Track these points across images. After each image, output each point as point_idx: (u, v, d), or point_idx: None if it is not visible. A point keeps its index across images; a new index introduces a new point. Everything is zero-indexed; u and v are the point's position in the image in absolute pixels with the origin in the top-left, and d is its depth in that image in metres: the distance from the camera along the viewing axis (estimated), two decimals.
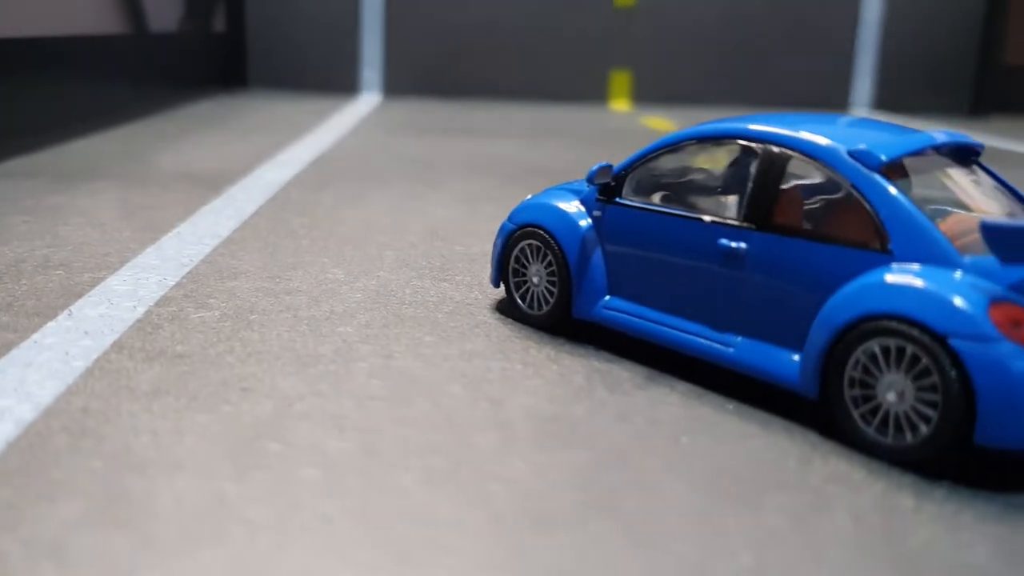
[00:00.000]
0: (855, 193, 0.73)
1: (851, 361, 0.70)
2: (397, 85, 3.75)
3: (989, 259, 0.68)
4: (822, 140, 0.76)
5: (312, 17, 3.68)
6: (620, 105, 3.73)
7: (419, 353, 0.87)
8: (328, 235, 1.33)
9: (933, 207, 0.81)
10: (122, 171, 1.77)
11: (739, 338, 0.80)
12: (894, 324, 0.67)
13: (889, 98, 3.84)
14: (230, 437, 0.68)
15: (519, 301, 0.97)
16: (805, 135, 0.77)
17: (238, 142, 2.25)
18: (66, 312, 0.94)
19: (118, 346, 0.86)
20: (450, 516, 0.59)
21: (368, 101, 3.51)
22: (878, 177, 0.72)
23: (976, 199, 0.80)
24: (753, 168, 0.80)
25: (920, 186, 0.82)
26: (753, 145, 0.80)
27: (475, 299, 1.05)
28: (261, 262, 1.17)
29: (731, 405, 0.78)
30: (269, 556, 0.54)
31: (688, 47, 3.78)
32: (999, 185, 0.81)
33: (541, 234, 0.94)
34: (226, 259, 1.18)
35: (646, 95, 3.79)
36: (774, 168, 0.78)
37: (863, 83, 3.83)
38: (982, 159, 2.46)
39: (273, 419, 0.72)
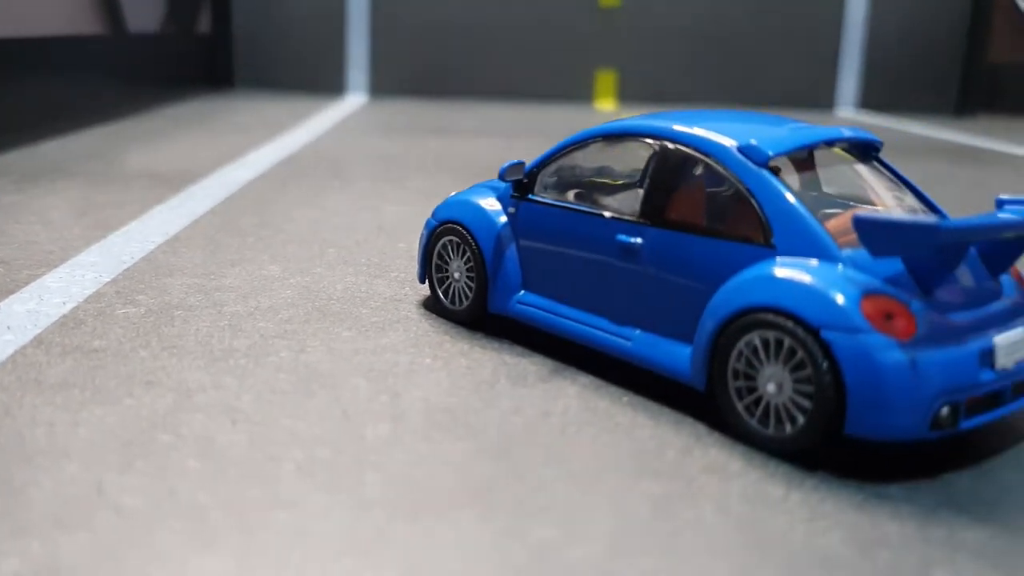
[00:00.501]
0: (742, 188, 0.74)
1: (734, 353, 0.71)
2: (384, 86, 3.77)
3: (864, 252, 0.69)
4: (714, 136, 0.77)
5: (298, 18, 3.70)
6: (606, 104, 3.75)
7: (332, 347, 0.89)
8: (275, 233, 1.34)
9: (832, 201, 0.82)
10: (88, 170, 1.79)
11: (637, 332, 0.81)
12: (771, 317, 0.68)
13: (875, 97, 3.84)
14: (125, 429, 0.70)
15: (441, 296, 0.99)
16: (698, 131, 0.78)
17: (211, 142, 2.27)
18: None
19: (38, 341, 0.88)
20: (318, 504, 0.60)
21: (353, 102, 3.52)
22: (764, 172, 0.73)
23: (874, 194, 0.81)
24: (650, 165, 0.81)
25: (825, 182, 0.83)
26: (650, 142, 0.82)
27: (404, 295, 1.06)
28: (200, 259, 1.18)
29: (626, 398, 0.79)
30: (132, 542, 0.55)
31: (673, 46, 3.78)
32: (899, 181, 0.82)
33: (460, 230, 0.95)
34: (167, 256, 1.19)
35: (632, 94, 3.80)
36: (668, 164, 0.80)
37: (848, 82, 3.83)
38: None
39: (170, 412, 0.73)
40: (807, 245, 0.70)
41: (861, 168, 0.83)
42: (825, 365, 0.65)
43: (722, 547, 0.57)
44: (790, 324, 0.67)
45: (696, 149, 0.78)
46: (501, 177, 0.90)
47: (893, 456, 0.70)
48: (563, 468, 0.66)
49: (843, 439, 0.71)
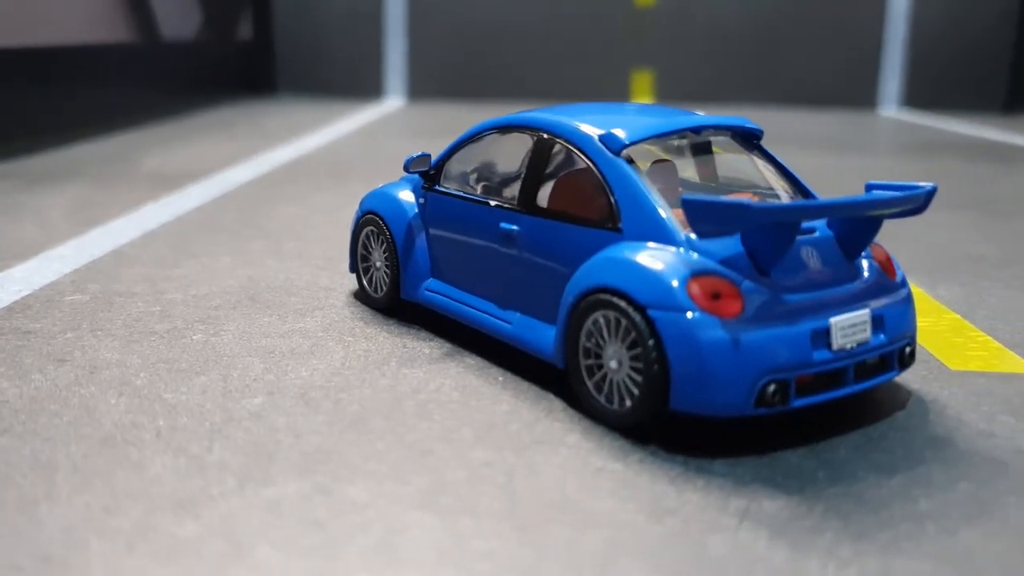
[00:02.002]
0: (599, 175, 0.77)
1: (583, 333, 0.74)
2: (421, 89, 3.84)
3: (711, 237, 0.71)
4: (580, 126, 0.80)
5: (338, 23, 3.80)
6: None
7: (245, 331, 0.94)
8: (248, 229, 1.41)
9: (723, 188, 0.84)
10: (100, 172, 1.88)
11: (517, 315, 0.84)
12: (609, 297, 0.71)
13: (919, 95, 3.77)
14: (20, 399, 0.76)
15: (365, 284, 1.03)
16: (567, 121, 0.81)
17: (227, 145, 2.35)
18: None
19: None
20: (163, 466, 0.65)
21: (390, 105, 3.60)
22: (617, 160, 0.76)
23: (755, 179, 0.83)
24: (528, 155, 0.84)
25: (691, 167, 0.86)
26: (528, 133, 0.85)
27: (340, 285, 1.11)
28: (164, 252, 1.25)
29: (503, 377, 0.83)
30: None
31: (710, 46, 3.77)
32: (776, 168, 0.84)
33: (378, 221, 1.00)
34: (135, 250, 1.26)
35: (668, 94, 3.80)
36: (542, 154, 0.83)
37: (891, 80, 3.77)
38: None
39: (68, 385, 0.79)
40: (650, 229, 0.73)
41: (738, 154, 0.85)
42: (652, 342, 0.68)
43: (515, 510, 0.60)
44: (623, 304, 0.70)
45: (565, 139, 0.81)
46: (406, 168, 0.94)
47: (757, 433, 0.72)
48: (402, 439, 0.70)
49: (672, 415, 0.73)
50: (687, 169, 0.88)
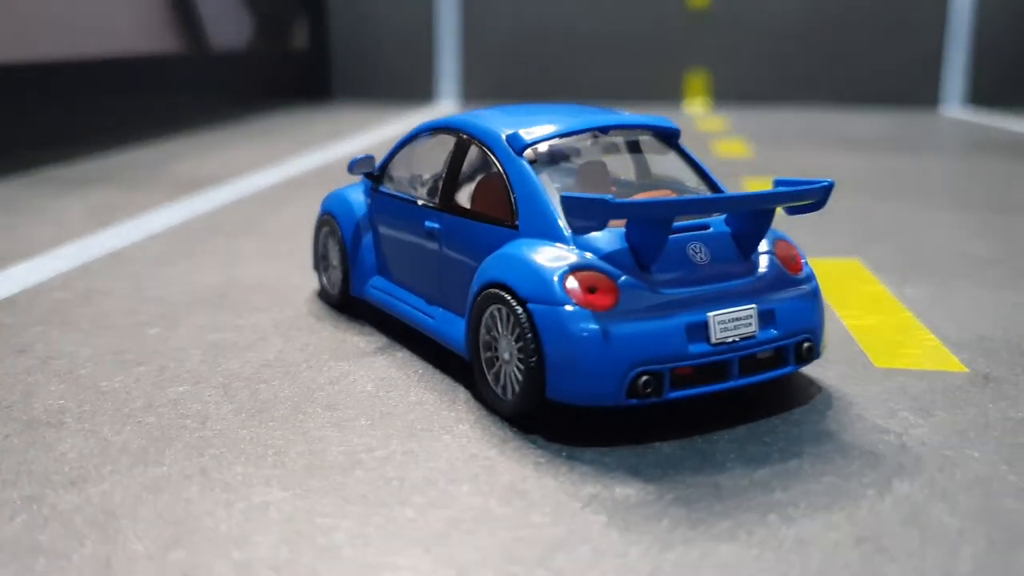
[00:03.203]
0: (503, 174, 0.79)
1: (483, 326, 0.76)
2: (474, 92, 3.89)
3: (598, 233, 0.73)
4: (492, 127, 0.82)
5: (392, 29, 3.88)
6: (696, 105, 3.73)
7: (199, 326, 0.99)
8: (249, 230, 1.46)
9: (641, 185, 0.86)
10: (133, 177, 1.98)
11: (439, 310, 0.87)
12: (498, 291, 0.73)
13: (983, 93, 3.65)
14: None
15: (324, 283, 1.07)
16: (482, 123, 0.84)
17: (266, 149, 2.43)
18: None
19: None
20: (63, 441, 0.70)
21: (440, 109, 3.66)
22: (518, 159, 0.78)
23: (671, 177, 0.84)
24: (449, 155, 0.87)
25: (624, 166, 0.87)
26: (451, 135, 0.88)
27: (309, 284, 1.15)
28: (159, 252, 1.32)
29: (422, 370, 0.86)
30: None
31: (765, 45, 3.73)
32: (692, 166, 0.85)
33: (332, 221, 1.04)
34: (134, 250, 1.33)
35: (723, 95, 3.77)
36: (460, 155, 0.86)
37: (954, 78, 3.66)
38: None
39: (20, 373, 0.85)
40: (542, 227, 0.75)
41: (665, 154, 0.86)
42: (531, 335, 0.70)
43: (373, 492, 0.63)
44: (509, 298, 0.72)
45: (478, 140, 0.83)
46: (349, 170, 0.98)
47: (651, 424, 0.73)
48: (298, 426, 0.74)
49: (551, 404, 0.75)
50: (623, 168, 0.89)
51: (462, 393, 0.80)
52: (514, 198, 0.77)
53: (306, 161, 2.25)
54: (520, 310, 0.71)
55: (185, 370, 0.86)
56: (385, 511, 0.61)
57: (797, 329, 0.75)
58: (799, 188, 0.73)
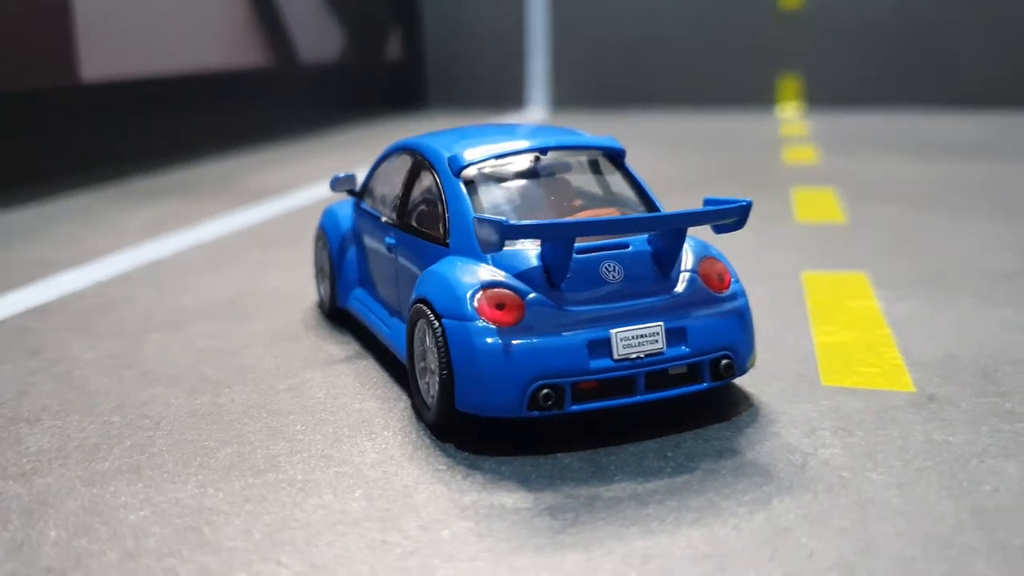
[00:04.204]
0: (441, 193, 0.83)
1: (416, 339, 0.80)
2: (564, 98, 3.92)
3: (513, 251, 0.76)
4: (439, 148, 0.86)
5: (484, 37, 3.95)
6: (789, 109, 3.66)
7: (198, 334, 1.06)
8: (289, 241, 1.55)
9: (581, 204, 0.88)
10: (204, 189, 2.10)
11: (396, 321, 0.92)
12: (423, 306, 0.77)
13: None
14: None
15: (320, 294, 1.13)
16: (433, 143, 0.88)
17: (341, 160, 2.53)
18: None
19: (28, 310, 1.13)
20: (22, 435, 0.78)
21: (530, 115, 3.71)
22: (454, 180, 0.82)
23: (588, 198, 0.86)
24: (406, 175, 0.92)
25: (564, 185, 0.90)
26: (409, 155, 0.92)
27: (313, 296, 1.21)
28: (195, 262, 1.41)
29: (378, 378, 0.90)
30: None
31: (861, 46, 3.62)
32: (633, 186, 0.87)
33: (324, 235, 1.10)
34: (171, 260, 1.43)
35: (817, 98, 3.68)
36: (413, 174, 0.90)
37: None
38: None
39: (20, 375, 0.94)
40: (467, 245, 0.78)
41: (587, 174, 0.88)
42: (444, 348, 0.74)
43: (261, 492, 0.68)
44: (430, 313, 0.76)
45: (428, 161, 0.87)
46: (331, 188, 1.04)
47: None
48: (236, 428, 0.79)
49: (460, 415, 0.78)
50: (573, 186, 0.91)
51: (404, 403, 0.85)
52: (447, 217, 0.81)
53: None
54: (437, 324, 0.75)
55: (166, 374, 0.93)
56: (276, 511, 0.66)
57: (713, 346, 0.76)
58: (709, 209, 0.74)
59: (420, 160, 0.89)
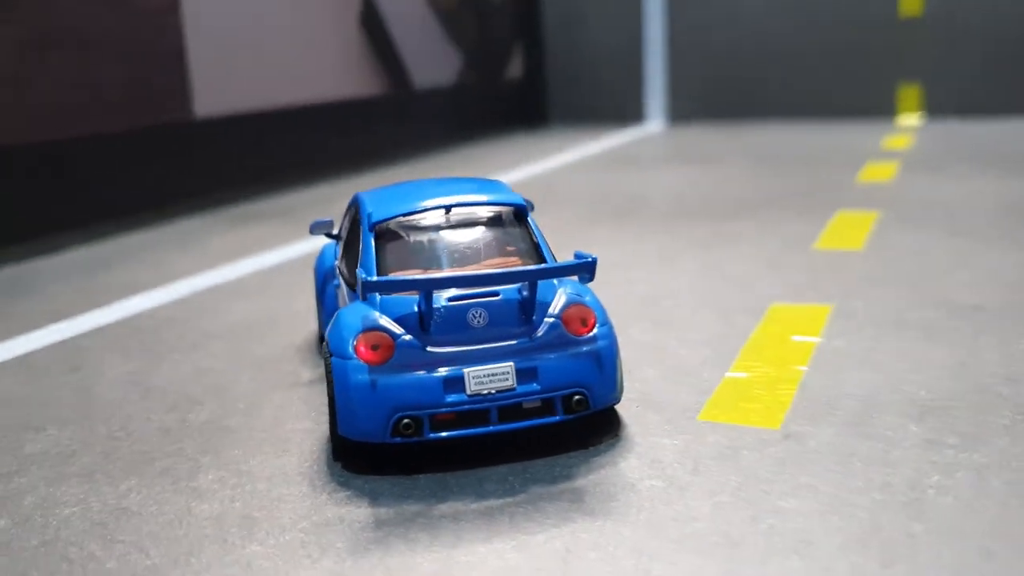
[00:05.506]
0: (362, 246, 0.97)
1: (328, 372, 0.94)
2: (680, 111, 3.97)
3: (400, 299, 0.89)
4: (367, 203, 1.00)
5: (601, 55, 4.05)
6: (909, 119, 3.57)
7: (208, 353, 1.24)
8: None
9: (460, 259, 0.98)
10: (302, 213, 2.32)
11: None
12: (326, 344, 0.91)
13: None
14: (22, 389, 1.12)
15: (319, 324, 1.29)
16: (367, 199, 1.01)
17: (430, 176, 2.70)
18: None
19: (62, 341, 1.35)
20: (25, 441, 0.97)
21: (645, 130, 3.78)
22: (368, 233, 0.95)
23: (488, 250, 0.96)
24: (348, 224, 1.06)
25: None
26: (355, 207, 1.06)
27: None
28: (245, 287, 1.60)
29: (322, 401, 1.05)
30: None
31: (985, 55, 3.48)
32: (530, 239, 0.96)
33: (314, 271, 1.25)
34: (231, 284, 1.63)
35: (939, 108, 3.57)
36: (353, 224, 1.04)
37: None
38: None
39: (54, 386, 1.15)
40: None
41: (507, 228, 0.98)
42: (330, 382, 0.87)
43: (167, 498, 0.84)
44: (327, 351, 0.90)
45: (359, 214, 1.01)
46: (311, 231, 1.19)
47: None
48: (181, 447, 0.96)
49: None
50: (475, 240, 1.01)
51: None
52: (362, 267, 0.95)
53: None
54: (328, 360, 0.89)
55: (160, 391, 1.12)
56: (170, 513, 0.81)
57: (564, 384, 0.86)
58: (549, 267, 0.85)
59: (356, 213, 1.03)
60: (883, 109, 3.67)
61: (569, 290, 0.92)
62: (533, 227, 0.99)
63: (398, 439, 0.85)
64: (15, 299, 1.60)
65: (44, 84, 1.99)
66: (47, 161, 2.03)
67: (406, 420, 0.85)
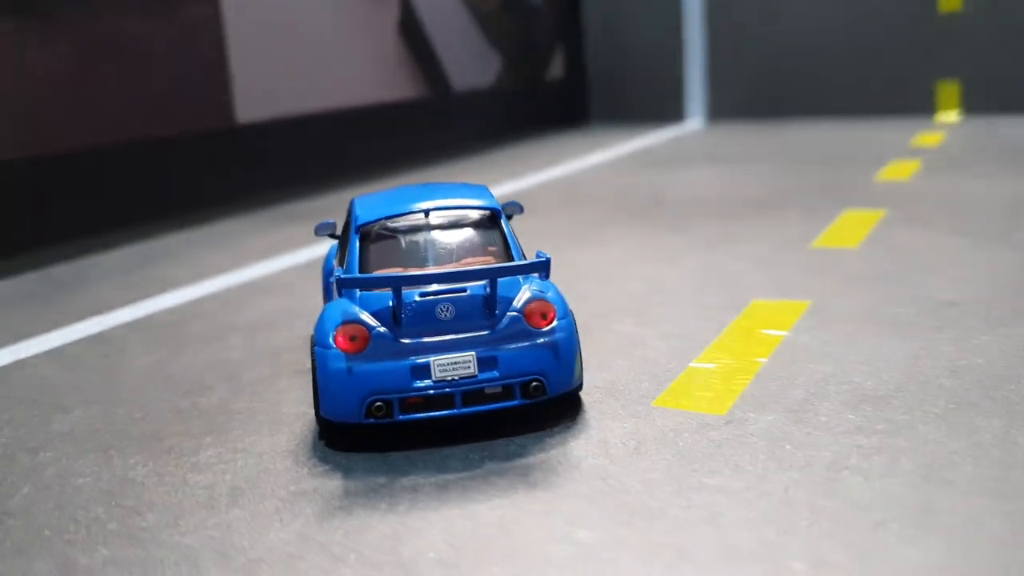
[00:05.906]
0: (346, 246, 1.07)
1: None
2: (719, 110, 4.00)
3: (377, 295, 0.98)
4: (358, 207, 1.09)
5: (642, 54, 4.10)
6: (948, 117, 3.56)
7: (223, 346, 1.35)
8: None
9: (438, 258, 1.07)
10: (332, 214, 2.43)
11: None
12: (312, 336, 1.01)
13: None
14: (52, 369, 1.25)
15: None
16: (358, 202, 1.11)
17: (479, 177, 2.80)
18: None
19: (99, 332, 1.48)
20: (35, 426, 1.09)
21: (683, 129, 3.83)
22: (354, 235, 1.05)
23: (462, 250, 1.05)
24: (343, 226, 1.16)
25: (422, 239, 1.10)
26: (350, 210, 1.16)
27: None
28: (273, 285, 1.72)
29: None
30: None
31: None
32: (503, 241, 1.05)
33: (322, 268, 1.36)
34: (261, 281, 1.75)
35: (978, 105, 3.55)
36: (346, 227, 1.14)
37: None
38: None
39: (80, 372, 1.27)
40: (351, 290, 1.01)
41: (483, 230, 1.07)
42: (313, 368, 0.98)
43: (146, 481, 0.94)
44: (312, 341, 1.00)
45: (349, 217, 1.11)
46: (315, 233, 1.30)
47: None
48: (189, 424, 1.07)
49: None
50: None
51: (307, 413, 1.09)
52: (347, 266, 1.05)
53: (507, 188, 2.58)
54: (312, 350, 0.99)
55: (178, 378, 1.23)
56: (170, 484, 0.92)
57: (522, 372, 0.95)
58: (506, 265, 0.94)
59: (348, 216, 1.14)
60: (922, 106, 3.66)
61: (533, 287, 1.01)
62: (506, 229, 1.08)
63: (371, 420, 0.95)
64: (63, 295, 1.74)
65: (96, 92, 2.14)
66: (100, 164, 2.18)
67: (378, 403, 0.94)
